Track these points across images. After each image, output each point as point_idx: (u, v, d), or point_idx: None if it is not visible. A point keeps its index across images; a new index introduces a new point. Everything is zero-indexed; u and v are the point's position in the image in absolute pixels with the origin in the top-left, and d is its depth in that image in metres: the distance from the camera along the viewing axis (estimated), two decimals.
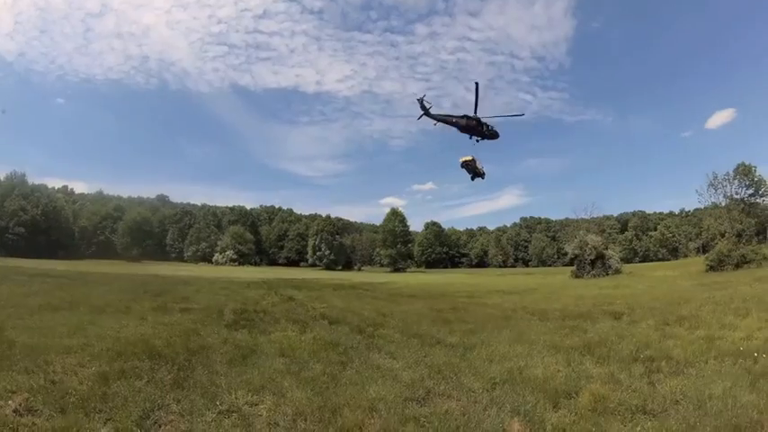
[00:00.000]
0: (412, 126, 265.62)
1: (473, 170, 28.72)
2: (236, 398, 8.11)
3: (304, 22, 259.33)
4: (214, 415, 7.45)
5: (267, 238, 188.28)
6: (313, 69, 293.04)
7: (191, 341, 12.00)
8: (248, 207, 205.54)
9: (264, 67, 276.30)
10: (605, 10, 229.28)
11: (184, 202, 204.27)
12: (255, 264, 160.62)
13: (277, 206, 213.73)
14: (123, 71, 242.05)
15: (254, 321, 16.56)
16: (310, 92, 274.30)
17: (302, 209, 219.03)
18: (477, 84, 27.56)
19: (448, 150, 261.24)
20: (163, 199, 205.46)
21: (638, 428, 7.32)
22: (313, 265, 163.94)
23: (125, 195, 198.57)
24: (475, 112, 27.23)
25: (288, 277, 51.27)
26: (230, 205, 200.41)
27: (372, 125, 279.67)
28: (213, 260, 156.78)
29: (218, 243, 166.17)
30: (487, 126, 27.77)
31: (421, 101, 27.20)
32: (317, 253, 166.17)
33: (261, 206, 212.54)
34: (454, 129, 27.25)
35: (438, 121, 27.64)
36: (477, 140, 28.08)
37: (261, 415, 7.57)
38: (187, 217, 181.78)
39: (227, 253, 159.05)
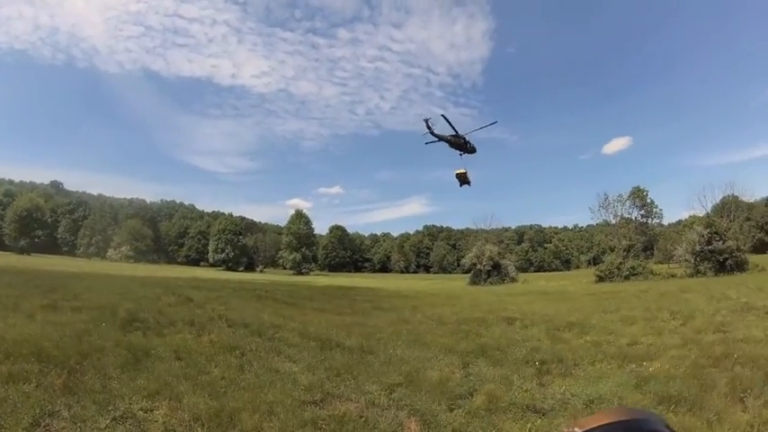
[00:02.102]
0: (324, 129, 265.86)
1: (464, 180, 34.28)
2: (130, 403, 7.77)
3: (227, 11, 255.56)
4: (108, 421, 7.13)
5: (167, 235, 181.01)
6: (230, 61, 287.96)
7: (82, 343, 11.38)
8: (148, 201, 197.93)
9: (180, 53, 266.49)
10: (520, 37, 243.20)
11: (80, 191, 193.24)
12: (153, 261, 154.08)
13: (178, 201, 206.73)
14: (30, 42, 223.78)
15: (149, 323, 15.92)
16: (225, 84, 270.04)
17: (205, 205, 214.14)
18: (495, 121, 36.10)
19: (355, 155, 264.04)
20: (57, 186, 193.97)
21: (529, 426, 7.74)
22: (214, 265, 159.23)
23: (17, 180, 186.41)
24: (457, 132, 32.72)
25: (186, 277, 49.80)
26: (129, 197, 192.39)
27: (285, 124, 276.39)
28: (107, 256, 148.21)
29: (114, 238, 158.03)
30: (469, 143, 33.30)
31: (427, 121, 32.36)
32: (220, 254, 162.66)
33: (162, 200, 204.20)
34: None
35: (438, 138, 32.63)
36: (461, 154, 33.49)
37: (156, 421, 7.34)
38: (81, 208, 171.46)
39: (123, 249, 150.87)
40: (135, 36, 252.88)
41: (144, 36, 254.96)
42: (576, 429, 1.07)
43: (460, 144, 33.12)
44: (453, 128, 32.81)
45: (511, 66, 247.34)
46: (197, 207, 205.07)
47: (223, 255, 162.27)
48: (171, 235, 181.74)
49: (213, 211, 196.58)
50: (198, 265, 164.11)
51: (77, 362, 9.83)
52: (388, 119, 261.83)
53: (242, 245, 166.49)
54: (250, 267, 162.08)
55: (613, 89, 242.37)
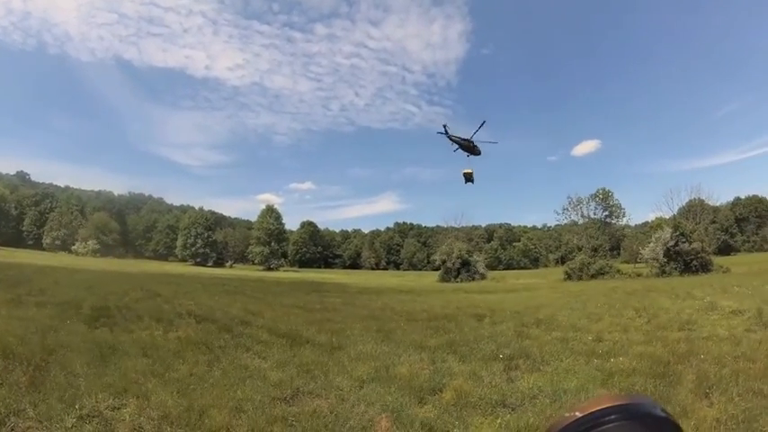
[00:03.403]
0: (297, 124, 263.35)
1: (469, 178, 39.81)
2: (96, 401, 7.64)
3: (203, 2, 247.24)
4: (74, 420, 6.98)
5: (134, 229, 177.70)
6: (204, 53, 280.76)
7: (47, 339, 11.23)
8: (116, 193, 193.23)
9: (153, 42, 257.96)
10: (496, 40, 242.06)
11: (46, 182, 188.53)
12: (120, 256, 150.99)
13: (147, 194, 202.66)
14: (1, 26, 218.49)
15: (115, 318, 15.76)
16: (198, 76, 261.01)
17: (174, 199, 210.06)
18: (484, 121, 40.00)
19: (328, 151, 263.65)
20: (23, 177, 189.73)
21: (498, 421, 7.76)
22: (183, 260, 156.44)
23: None
24: (471, 137, 38.47)
25: (154, 272, 49.23)
26: (96, 189, 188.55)
27: (258, 118, 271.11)
28: (74, 250, 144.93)
29: (80, 231, 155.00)
30: (477, 147, 38.94)
31: (445, 126, 38.48)
32: (189, 249, 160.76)
33: (129, 193, 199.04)
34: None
35: (452, 141, 38.29)
36: (468, 155, 39.16)
37: (124, 419, 7.19)
38: (48, 200, 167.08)
39: (90, 243, 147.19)
40: (108, 23, 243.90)
41: (118, 24, 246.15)
42: (576, 413, 1.11)
43: (470, 147, 38.48)
44: (459, 136, 38.12)
45: (485, 67, 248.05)
46: (166, 200, 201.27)
47: (192, 249, 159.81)
48: (139, 229, 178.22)
49: (182, 205, 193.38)
50: (166, 259, 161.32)
51: (43, 358, 9.69)
52: (362, 115, 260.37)
53: (212, 240, 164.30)
54: (219, 262, 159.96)
55: (584, 92, 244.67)
